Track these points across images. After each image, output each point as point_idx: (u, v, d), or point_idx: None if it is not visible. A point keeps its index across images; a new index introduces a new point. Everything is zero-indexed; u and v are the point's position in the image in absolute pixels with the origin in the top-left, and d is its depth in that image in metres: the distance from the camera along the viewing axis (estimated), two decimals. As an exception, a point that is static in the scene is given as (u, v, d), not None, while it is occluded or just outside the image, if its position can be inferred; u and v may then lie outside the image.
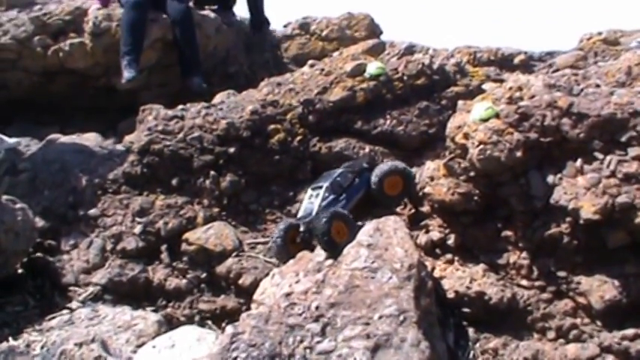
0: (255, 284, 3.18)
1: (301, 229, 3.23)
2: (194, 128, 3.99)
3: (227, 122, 4.00)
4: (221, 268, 3.50)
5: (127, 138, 4.31)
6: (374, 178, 3.44)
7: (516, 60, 5.45)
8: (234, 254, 3.53)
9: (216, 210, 3.83)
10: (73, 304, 3.37)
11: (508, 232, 3.01)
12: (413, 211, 3.52)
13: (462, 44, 5.61)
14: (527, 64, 5.45)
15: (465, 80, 4.41)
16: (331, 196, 3.40)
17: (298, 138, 4.05)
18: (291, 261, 2.98)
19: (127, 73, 5.07)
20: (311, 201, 3.42)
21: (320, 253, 2.86)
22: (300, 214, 3.42)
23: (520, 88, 3.05)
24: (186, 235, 3.66)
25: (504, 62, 5.39)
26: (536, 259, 2.94)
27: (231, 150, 3.93)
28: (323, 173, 3.69)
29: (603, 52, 5.23)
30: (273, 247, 3.31)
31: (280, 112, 4.11)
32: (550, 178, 2.84)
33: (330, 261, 2.77)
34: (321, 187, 3.42)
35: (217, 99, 4.66)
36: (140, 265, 3.60)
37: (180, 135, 3.96)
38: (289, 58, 6.56)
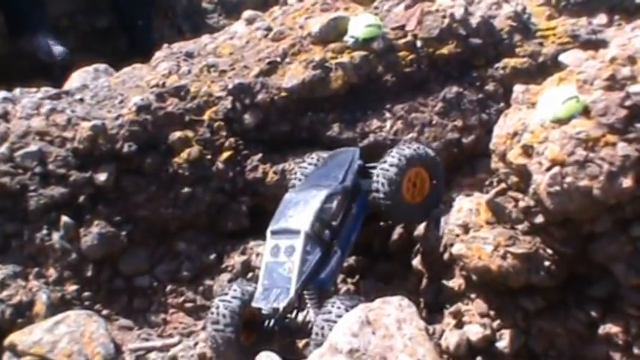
0: None
1: (268, 321, 3.36)
2: (29, 136, 3.97)
3: (93, 126, 3.96)
4: (80, 399, 3.37)
5: None
6: (381, 179, 3.51)
7: (641, -1, 5.19)
8: (105, 372, 3.43)
9: (72, 289, 3.81)
10: None
11: (611, 327, 2.95)
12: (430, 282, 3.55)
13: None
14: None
15: (529, 45, 4.41)
16: (317, 251, 3.42)
17: (225, 155, 4.05)
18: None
19: None
20: (279, 261, 3.43)
21: (268, 365, 2.83)
22: (260, 285, 3.41)
23: (632, 60, 2.98)
24: (12, 338, 3.61)
25: (617, 3, 5.33)
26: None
27: (101, 178, 3.91)
28: (287, 195, 3.63)
29: None
30: (214, 337, 3.37)
31: (192, 108, 4.11)
32: (690, 227, 2.77)
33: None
34: (295, 234, 3.42)
35: (75, 80, 4.64)
36: None
37: (2, 149, 3.93)
38: (211, 3, 6.63)
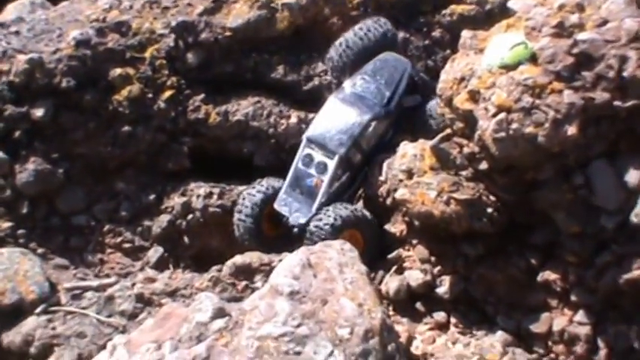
0: (78, 367, 3.02)
1: (291, 222, 3.52)
2: (-37, 70, 3.86)
3: (30, 59, 3.90)
4: (13, 337, 3.42)
5: None
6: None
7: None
8: (40, 309, 3.46)
9: (5, 226, 3.76)
10: None
11: (550, 275, 2.99)
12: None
13: None
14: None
15: (477, -10, 4.42)
16: (346, 174, 3.63)
17: (167, 94, 4.02)
18: (149, 321, 2.86)
19: None
20: (309, 172, 3.60)
21: (204, 308, 2.77)
22: (285, 187, 3.61)
23: (581, 7, 2.98)
24: (-54, 274, 3.49)
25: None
26: (603, 324, 2.92)
27: (38, 113, 3.86)
28: (333, 100, 3.68)
29: None
30: (237, 226, 3.64)
31: (133, 45, 4.07)
32: (631, 176, 2.80)
33: (221, 322, 2.69)
34: (330, 153, 3.56)
35: (10, 13, 4.53)
36: None
37: (-64, 83, 3.81)
38: None
